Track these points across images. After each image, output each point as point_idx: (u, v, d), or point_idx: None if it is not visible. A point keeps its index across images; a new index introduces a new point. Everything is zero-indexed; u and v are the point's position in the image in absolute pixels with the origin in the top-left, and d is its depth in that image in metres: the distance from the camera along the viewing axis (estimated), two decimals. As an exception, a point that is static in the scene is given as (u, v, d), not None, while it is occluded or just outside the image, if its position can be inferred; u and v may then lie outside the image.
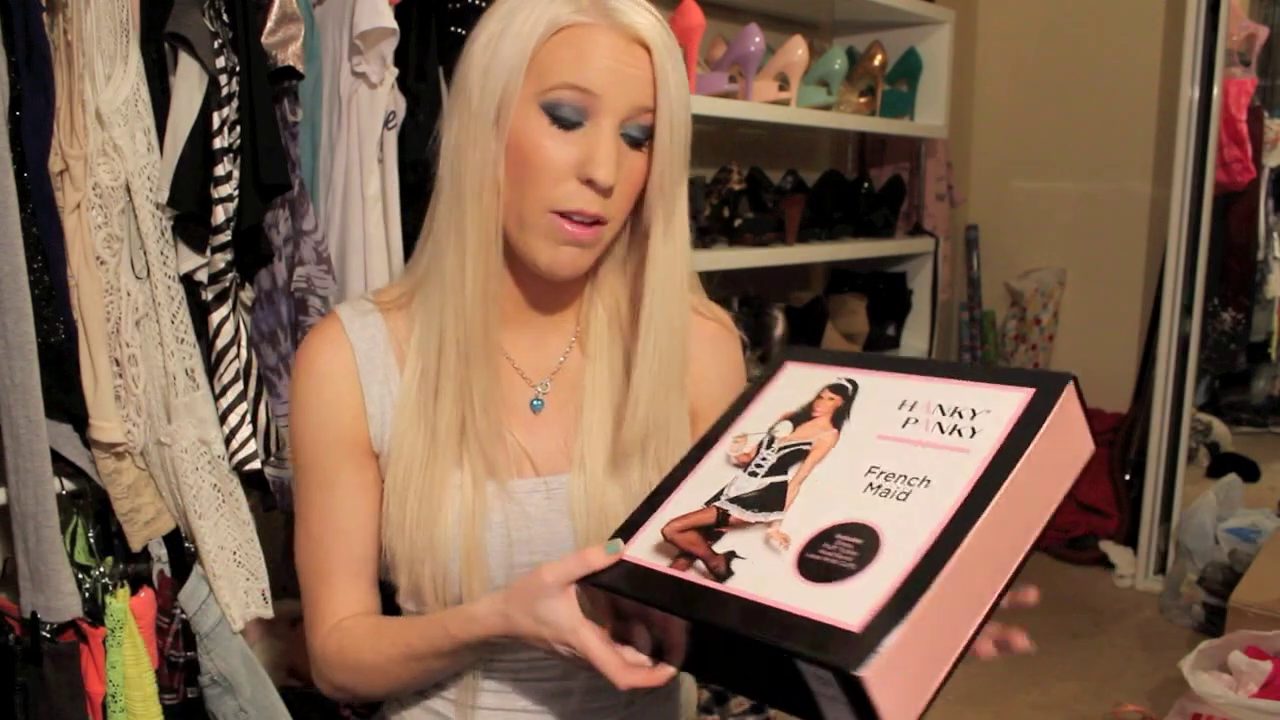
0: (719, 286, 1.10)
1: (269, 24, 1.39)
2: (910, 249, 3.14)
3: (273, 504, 1.52)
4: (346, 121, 1.51)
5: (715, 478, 0.81)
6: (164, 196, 1.31)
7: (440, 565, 0.90)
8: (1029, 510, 0.72)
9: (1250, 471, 3.40)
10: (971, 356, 4.01)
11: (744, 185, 2.61)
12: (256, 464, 1.42)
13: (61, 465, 1.35)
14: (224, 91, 1.33)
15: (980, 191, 4.03)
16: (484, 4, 1.63)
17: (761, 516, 0.75)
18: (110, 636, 1.36)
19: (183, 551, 1.45)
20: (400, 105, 1.54)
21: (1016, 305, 3.90)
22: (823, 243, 2.79)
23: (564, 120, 0.84)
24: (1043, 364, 3.89)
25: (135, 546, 1.40)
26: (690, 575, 0.74)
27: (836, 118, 2.75)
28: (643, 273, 0.91)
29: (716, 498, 0.79)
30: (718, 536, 0.76)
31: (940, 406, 0.76)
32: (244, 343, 1.42)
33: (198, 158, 1.32)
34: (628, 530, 0.81)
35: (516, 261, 0.92)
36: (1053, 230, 3.86)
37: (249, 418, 1.41)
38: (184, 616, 1.44)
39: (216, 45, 1.32)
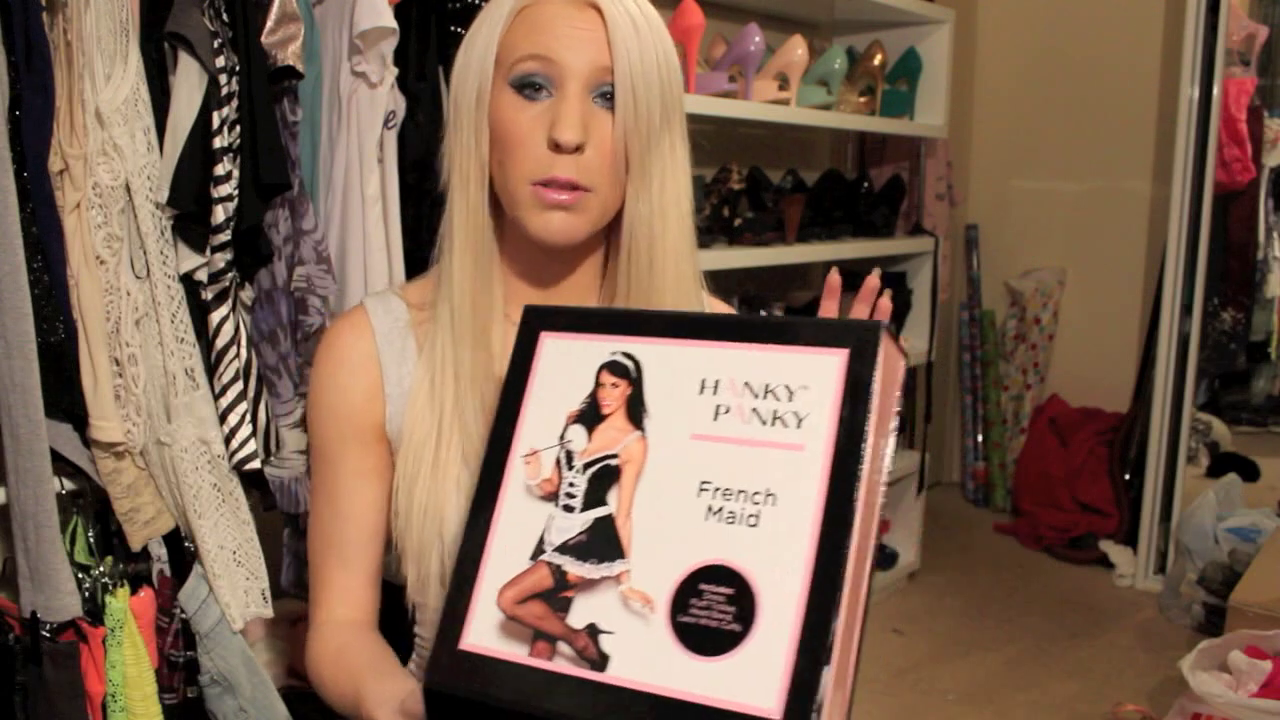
0: (719, 286, 1.08)
1: (269, 24, 1.39)
2: (910, 249, 3.14)
3: (273, 504, 1.52)
4: (346, 121, 1.51)
5: (527, 519, 0.70)
6: (164, 196, 1.31)
7: (448, 557, 0.90)
8: (875, 471, 0.67)
9: (1250, 471, 3.40)
10: (971, 356, 4.01)
11: (744, 185, 2.61)
12: (256, 463, 1.42)
13: (61, 465, 1.35)
14: (224, 91, 1.33)
15: (980, 191, 4.03)
16: (484, 4, 1.63)
17: (604, 569, 0.67)
18: (110, 636, 1.36)
19: (183, 551, 1.45)
20: (400, 105, 1.54)
21: (1016, 305, 3.90)
22: (822, 242, 2.79)
23: (529, 91, 0.87)
24: (1043, 364, 3.89)
25: (135, 546, 1.40)
26: (559, 665, 0.65)
27: (836, 117, 2.75)
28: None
29: (540, 549, 0.69)
30: (566, 604, 0.67)
31: (748, 386, 0.68)
32: (244, 342, 1.42)
33: (197, 157, 1.32)
34: (455, 615, 0.69)
35: (527, 247, 0.93)
36: (1053, 230, 3.86)
37: (249, 417, 1.41)
38: (184, 616, 1.44)
39: (216, 45, 1.32)
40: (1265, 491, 3.29)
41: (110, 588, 1.38)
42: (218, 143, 1.33)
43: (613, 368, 0.73)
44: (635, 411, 0.71)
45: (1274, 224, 3.44)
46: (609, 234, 0.97)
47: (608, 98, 0.87)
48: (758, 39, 2.39)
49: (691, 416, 0.69)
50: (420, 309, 0.98)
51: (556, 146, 0.85)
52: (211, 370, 1.40)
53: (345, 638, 0.95)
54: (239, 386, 1.40)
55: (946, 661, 2.78)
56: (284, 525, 1.58)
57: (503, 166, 0.89)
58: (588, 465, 0.71)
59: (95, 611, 1.37)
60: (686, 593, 0.64)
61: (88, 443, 1.35)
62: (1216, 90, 3.12)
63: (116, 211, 1.30)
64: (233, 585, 1.42)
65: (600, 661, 0.64)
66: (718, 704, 0.60)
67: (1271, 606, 2.38)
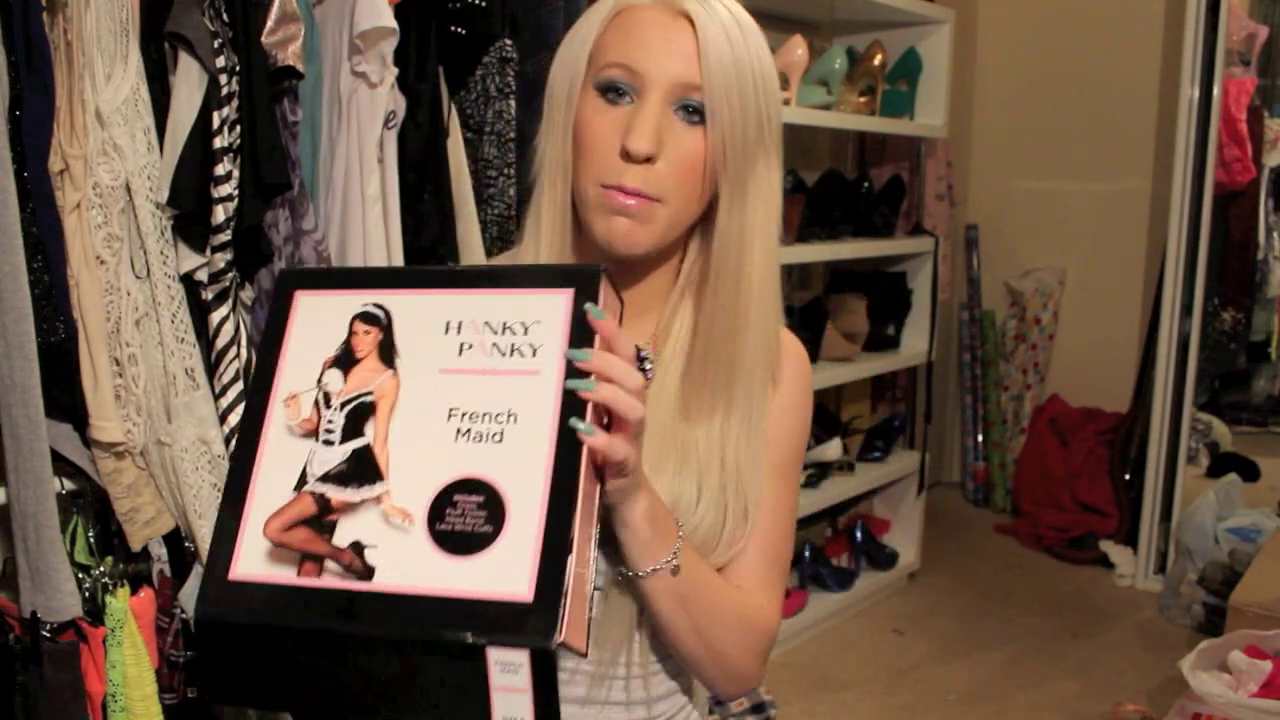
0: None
1: (269, 24, 1.39)
2: (910, 249, 3.14)
3: (273, 504, 1.52)
4: (346, 121, 1.51)
5: (289, 456, 0.74)
6: (164, 196, 1.31)
7: None
8: None
9: (1250, 471, 3.40)
10: (971, 356, 4.01)
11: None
12: (256, 464, 1.41)
13: (61, 465, 1.35)
14: (224, 91, 1.33)
15: (980, 191, 4.03)
16: (484, 3, 1.63)
17: (365, 492, 0.72)
18: (110, 636, 1.36)
19: (183, 551, 1.45)
20: (400, 105, 1.54)
21: (1016, 305, 3.90)
22: (823, 242, 2.79)
23: (612, 95, 0.86)
24: (1043, 364, 3.89)
25: (135, 546, 1.40)
26: (327, 581, 0.69)
27: (836, 117, 2.75)
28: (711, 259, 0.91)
29: (303, 480, 0.73)
30: (330, 527, 0.71)
31: (488, 324, 0.74)
32: (244, 342, 1.42)
33: (198, 157, 1.32)
34: (222, 549, 0.73)
35: (595, 242, 0.91)
36: (1053, 230, 3.86)
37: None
38: (184, 616, 1.44)
39: (216, 45, 1.32)
40: (1265, 491, 3.29)
41: (110, 588, 1.38)
42: (218, 143, 1.33)
43: (364, 317, 0.78)
44: (387, 353, 0.76)
45: (1274, 224, 3.44)
46: (683, 254, 0.95)
47: (690, 111, 0.86)
48: (758, 39, 2.39)
49: (439, 354, 0.75)
50: None
51: (627, 155, 0.85)
52: (211, 370, 1.40)
53: None
54: (239, 386, 1.40)
55: (946, 661, 2.78)
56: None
57: (579, 166, 0.89)
58: (345, 404, 0.75)
59: (95, 611, 1.37)
60: (442, 504, 0.70)
61: (88, 443, 1.35)
62: (1216, 90, 3.12)
63: (117, 211, 1.30)
64: (233, 585, 1.42)
65: (366, 573, 0.69)
66: (477, 595, 0.66)
67: (1271, 606, 2.38)
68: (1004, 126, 3.96)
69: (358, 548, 0.70)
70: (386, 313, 0.77)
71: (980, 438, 4.02)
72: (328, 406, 0.76)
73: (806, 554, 3.01)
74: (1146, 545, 3.30)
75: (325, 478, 0.73)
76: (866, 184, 3.08)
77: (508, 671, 0.65)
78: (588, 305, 0.73)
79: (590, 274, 0.74)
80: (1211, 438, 3.50)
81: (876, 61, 2.92)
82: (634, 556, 0.83)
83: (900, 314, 3.22)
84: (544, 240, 0.92)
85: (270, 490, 0.74)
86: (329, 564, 0.70)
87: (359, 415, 0.74)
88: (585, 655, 0.71)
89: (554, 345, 0.72)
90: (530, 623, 0.65)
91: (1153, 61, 3.56)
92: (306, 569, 0.70)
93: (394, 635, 0.67)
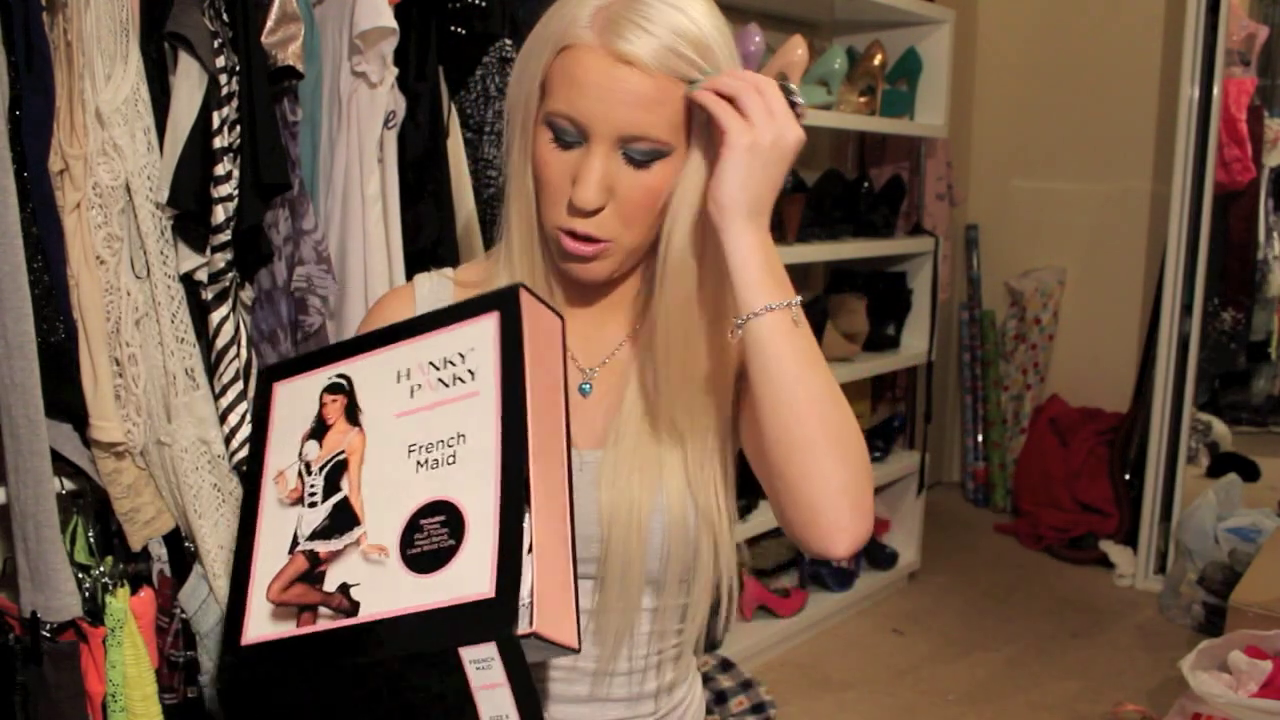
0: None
1: (269, 23, 1.39)
2: (910, 249, 3.14)
3: (273, 504, 1.52)
4: (346, 121, 1.51)
5: (282, 525, 0.82)
6: (164, 196, 1.31)
7: None
8: (551, 400, 0.79)
9: (1250, 471, 3.40)
10: (971, 356, 4.01)
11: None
12: (256, 464, 1.42)
13: (61, 465, 1.35)
14: (224, 91, 1.33)
15: (980, 191, 4.03)
16: (484, 3, 1.63)
17: (346, 539, 0.77)
18: (110, 636, 1.36)
19: (183, 551, 1.45)
20: (400, 105, 1.54)
21: (1016, 305, 3.90)
22: (823, 242, 2.79)
23: (562, 140, 0.86)
24: (1043, 364, 3.89)
25: (135, 546, 1.40)
26: (321, 625, 0.75)
27: (836, 117, 2.75)
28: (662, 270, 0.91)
29: (295, 543, 0.80)
30: (321, 577, 0.77)
31: (432, 364, 0.80)
32: (244, 342, 1.42)
33: (197, 157, 1.32)
34: (233, 622, 0.80)
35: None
36: (1053, 230, 3.86)
37: (249, 417, 1.41)
38: (184, 616, 1.44)
39: (216, 45, 1.32)
40: (1265, 491, 3.29)
41: (110, 588, 1.38)
42: (218, 143, 1.33)
43: (330, 388, 0.86)
44: (352, 414, 0.83)
45: (1274, 224, 3.44)
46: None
47: (636, 159, 0.85)
48: (758, 39, 2.40)
49: (394, 401, 0.81)
50: (469, 287, 0.98)
51: (572, 208, 0.86)
52: (211, 370, 1.40)
53: None
54: (239, 386, 1.40)
55: (946, 661, 2.78)
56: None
57: (539, 198, 0.90)
58: (322, 467, 0.82)
59: (95, 611, 1.37)
60: (411, 531, 0.75)
61: (88, 443, 1.35)
62: (1216, 90, 3.12)
63: (116, 211, 1.30)
64: (233, 585, 1.42)
65: (352, 609, 0.74)
66: (445, 603, 0.70)
67: (1271, 606, 2.38)
68: (1004, 126, 3.96)
69: (344, 588, 0.75)
70: (349, 379, 0.85)
71: (980, 438, 4.02)
72: (309, 473, 0.82)
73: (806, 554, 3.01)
74: (1146, 545, 3.30)
75: (312, 535, 0.79)
76: (866, 184, 3.08)
77: (483, 668, 0.68)
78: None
79: (509, 293, 0.80)
80: (1211, 438, 3.50)
81: (876, 61, 2.92)
82: (746, 297, 0.81)
83: (900, 314, 3.22)
84: (516, 252, 0.94)
85: (269, 560, 0.81)
86: (322, 610, 0.75)
87: (335, 473, 0.81)
88: (578, 650, 0.72)
89: (489, 365, 0.77)
90: (493, 614, 0.68)
91: (1153, 61, 3.56)
92: (304, 619, 0.76)
93: (375, 657, 0.71)
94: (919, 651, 2.84)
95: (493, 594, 0.68)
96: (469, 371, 0.78)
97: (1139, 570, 3.31)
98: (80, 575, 1.37)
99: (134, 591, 1.39)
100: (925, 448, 3.29)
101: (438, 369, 0.80)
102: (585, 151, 0.85)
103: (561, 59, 0.85)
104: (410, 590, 0.72)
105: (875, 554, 3.20)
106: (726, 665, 2.30)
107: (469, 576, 0.70)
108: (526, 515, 0.70)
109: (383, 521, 0.76)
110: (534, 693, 0.69)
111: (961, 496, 4.08)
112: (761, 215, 0.83)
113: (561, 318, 0.85)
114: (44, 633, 1.32)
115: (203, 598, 1.42)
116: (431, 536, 0.73)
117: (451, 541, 0.72)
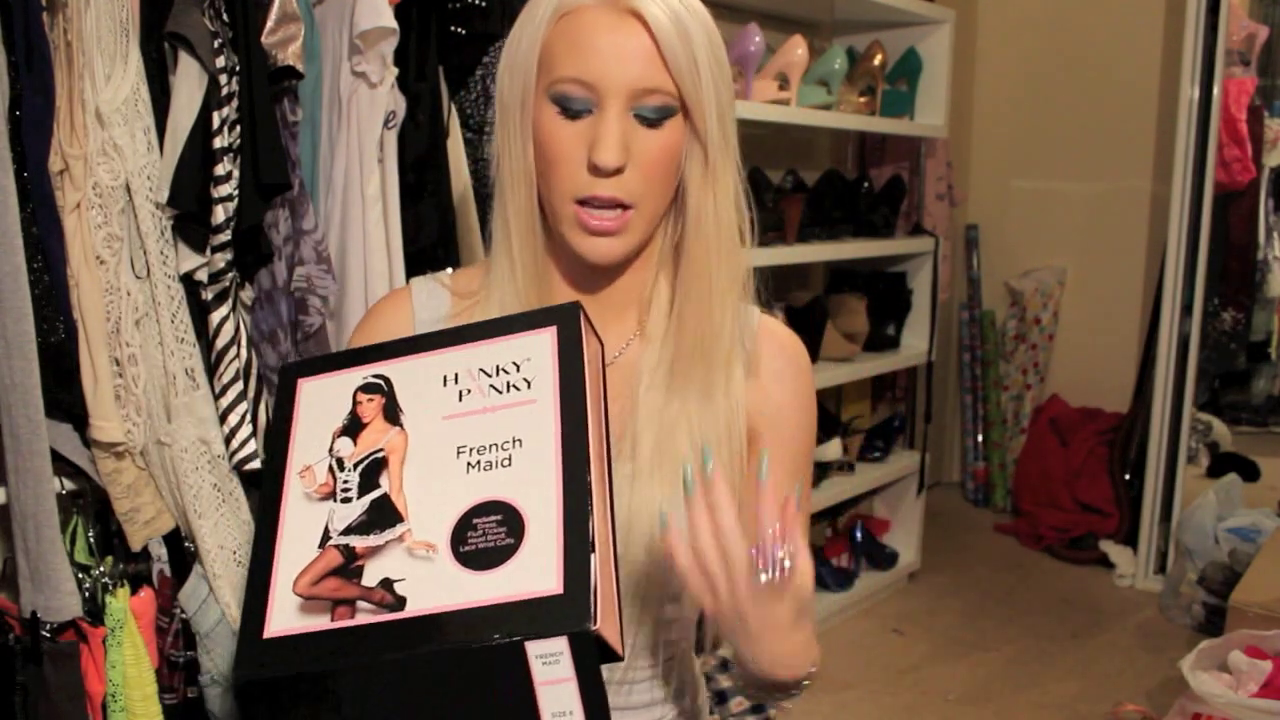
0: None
1: (269, 24, 1.39)
2: (910, 249, 3.14)
3: (273, 504, 1.52)
4: (346, 121, 1.51)
5: (309, 519, 0.77)
6: (164, 196, 1.31)
7: None
8: (597, 417, 0.79)
9: (1250, 471, 3.40)
10: (971, 356, 4.01)
11: (744, 185, 2.60)
12: (256, 464, 1.41)
13: (61, 465, 1.35)
14: (224, 91, 1.33)
15: (980, 191, 4.03)
16: (484, 3, 1.63)
17: (387, 535, 0.74)
18: (110, 636, 1.36)
19: (183, 551, 1.45)
20: (400, 105, 1.54)
21: (1016, 305, 3.90)
22: (823, 242, 2.79)
23: (570, 110, 0.84)
24: (1043, 364, 3.89)
25: (135, 546, 1.40)
26: (361, 619, 0.71)
27: (836, 117, 2.75)
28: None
29: (326, 537, 0.76)
30: (358, 572, 0.73)
31: (483, 370, 0.80)
32: (244, 342, 1.42)
33: (198, 157, 1.32)
34: (253, 613, 0.74)
35: (570, 251, 0.91)
36: (1053, 230, 3.86)
37: (249, 417, 1.41)
38: (184, 616, 1.44)
39: (216, 45, 1.32)
40: (1265, 491, 3.29)
41: (110, 588, 1.38)
42: (218, 143, 1.33)
43: (366, 388, 0.83)
44: (391, 414, 0.81)
45: (1274, 224, 3.44)
46: (657, 239, 0.96)
47: (650, 115, 0.85)
48: (758, 39, 2.39)
49: (441, 404, 0.80)
50: (465, 298, 0.97)
51: (596, 169, 0.84)
52: (211, 370, 1.40)
53: None
54: (239, 386, 1.40)
55: (946, 661, 2.78)
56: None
57: (545, 179, 0.88)
58: (358, 463, 0.79)
59: (95, 611, 1.37)
60: (463, 529, 0.73)
61: (88, 443, 1.35)
62: (1216, 90, 3.12)
63: (116, 211, 1.30)
64: (233, 585, 1.42)
65: (398, 604, 0.71)
66: (508, 599, 0.68)
67: (1271, 606, 2.38)
68: (1004, 126, 3.96)
69: (387, 584, 0.72)
70: (386, 380, 0.83)
71: (980, 438, 4.02)
72: (341, 470, 0.79)
73: (806, 554, 3.01)
74: (1146, 545, 3.30)
75: (347, 530, 0.76)
76: (866, 184, 3.08)
77: (549, 663, 0.67)
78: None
79: (569, 309, 0.81)
80: (1211, 438, 3.50)
81: (876, 61, 2.92)
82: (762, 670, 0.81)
83: (900, 314, 3.22)
84: (516, 250, 0.92)
85: (294, 553, 0.76)
86: (361, 604, 0.72)
87: (373, 470, 0.78)
88: (623, 658, 0.72)
89: (546, 375, 0.78)
90: (564, 609, 0.67)
91: (1153, 61, 3.55)
92: (339, 614, 0.72)
93: (427, 651, 0.68)
94: (919, 651, 2.84)
95: (561, 590, 0.68)
96: (525, 380, 0.78)
97: (1139, 570, 3.31)
98: (80, 575, 1.37)
99: (134, 591, 1.39)
100: (925, 448, 3.29)
101: (490, 376, 0.79)
102: (598, 116, 0.84)
103: (562, 26, 0.84)
104: (467, 586, 0.70)
105: (875, 554, 3.20)
106: (726, 665, 2.30)
107: (534, 572, 0.69)
108: (590, 518, 0.70)
109: (430, 518, 0.74)
110: (601, 687, 0.68)
111: (961, 496, 4.08)
112: (790, 630, 0.78)
113: (602, 343, 0.85)
114: (44, 633, 1.32)
115: (203, 598, 1.42)
116: (487, 534, 0.72)
117: (510, 540, 0.71)
